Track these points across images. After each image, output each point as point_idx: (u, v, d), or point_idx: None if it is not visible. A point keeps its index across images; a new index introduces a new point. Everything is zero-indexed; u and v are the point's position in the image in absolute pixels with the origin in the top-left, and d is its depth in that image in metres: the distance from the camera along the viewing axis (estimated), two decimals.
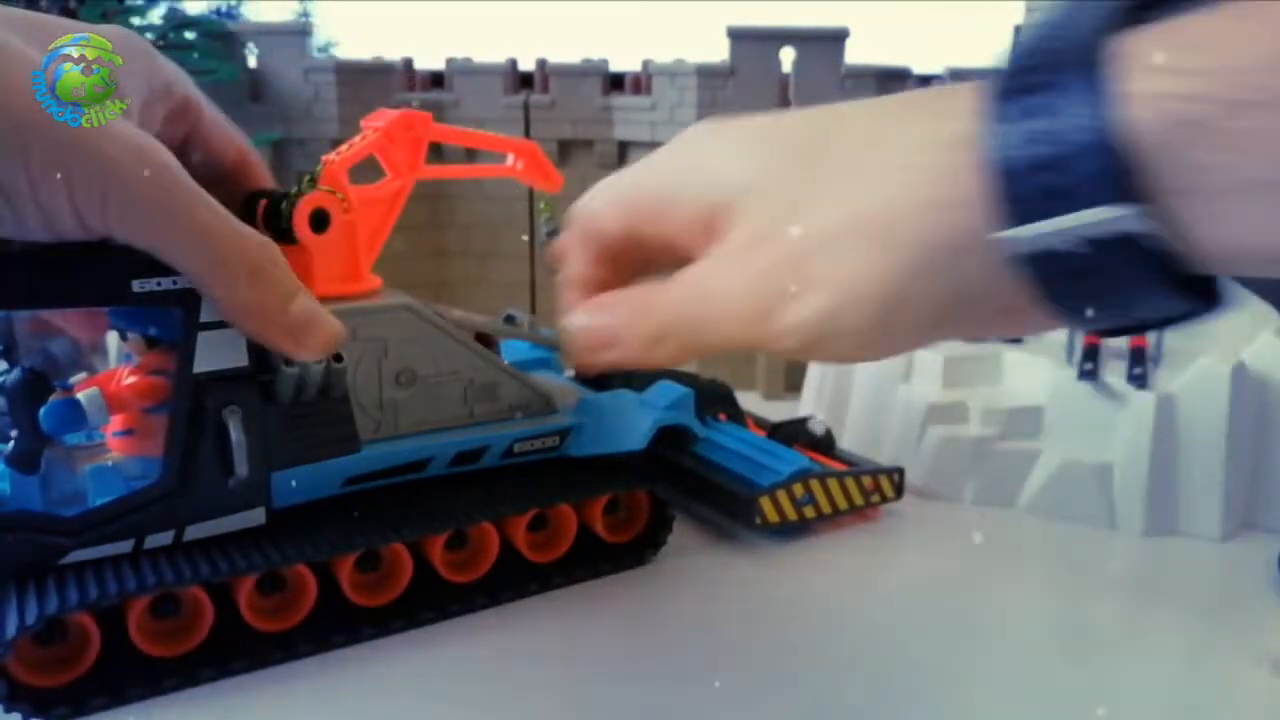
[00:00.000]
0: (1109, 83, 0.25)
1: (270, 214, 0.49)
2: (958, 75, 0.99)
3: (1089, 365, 0.68)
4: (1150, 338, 0.69)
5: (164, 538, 0.46)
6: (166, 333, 0.46)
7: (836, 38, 0.91)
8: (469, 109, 1.03)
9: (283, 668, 0.49)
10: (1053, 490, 0.68)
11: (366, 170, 0.55)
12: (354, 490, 0.52)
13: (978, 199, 0.27)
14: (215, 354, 0.44)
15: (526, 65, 1.04)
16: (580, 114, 1.01)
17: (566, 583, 0.57)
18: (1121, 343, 0.68)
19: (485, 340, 0.57)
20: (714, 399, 0.71)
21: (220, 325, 0.44)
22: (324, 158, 0.53)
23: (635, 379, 0.68)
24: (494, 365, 0.56)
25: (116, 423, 0.47)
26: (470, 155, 0.90)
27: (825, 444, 0.71)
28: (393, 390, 0.52)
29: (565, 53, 1.03)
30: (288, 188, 0.50)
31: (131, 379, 0.46)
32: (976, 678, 0.51)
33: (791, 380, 0.91)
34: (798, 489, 0.62)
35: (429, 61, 1.09)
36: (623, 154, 1.03)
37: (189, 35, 1.11)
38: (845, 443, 0.74)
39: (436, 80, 1.09)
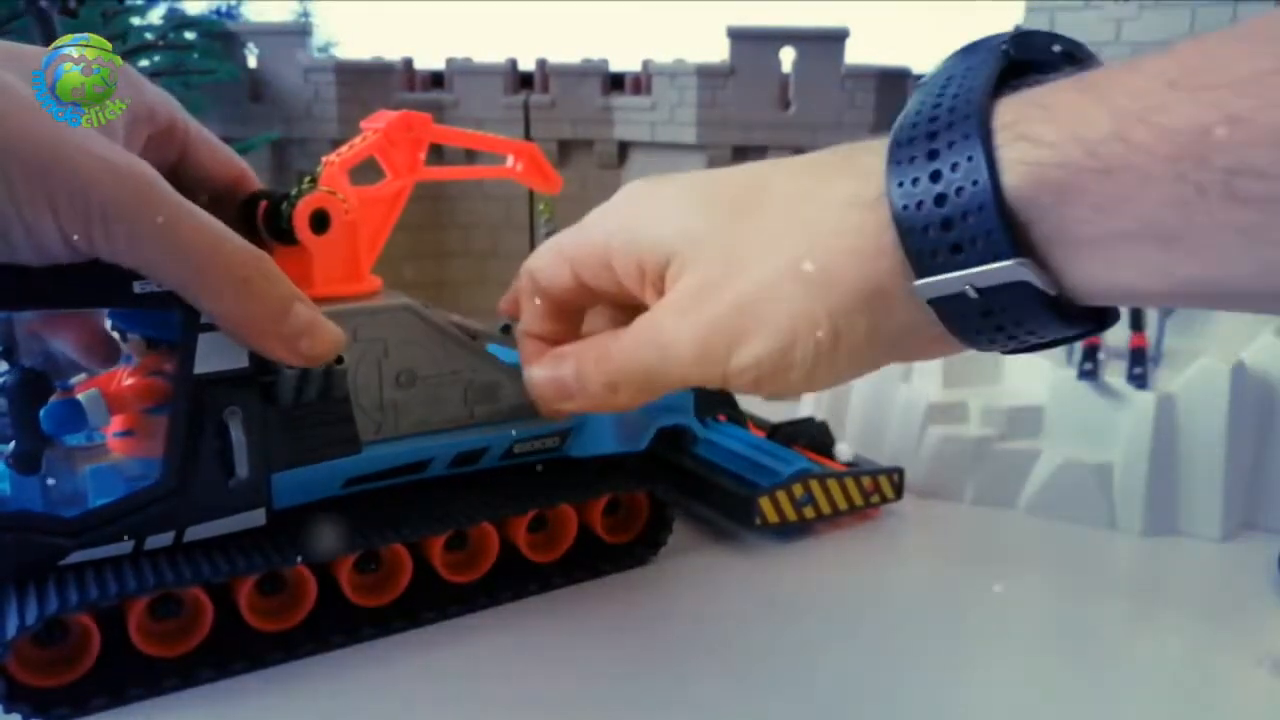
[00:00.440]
0: (990, 150, 0.29)
1: (270, 215, 0.49)
2: None
3: (1089, 365, 0.68)
4: (1150, 338, 0.69)
5: (164, 538, 0.46)
6: (167, 334, 0.46)
7: (836, 38, 0.91)
8: (469, 109, 1.02)
9: (283, 668, 0.49)
10: (1053, 490, 0.68)
11: (367, 171, 0.55)
12: (354, 491, 0.52)
13: (891, 251, 0.31)
14: (216, 355, 0.44)
15: (526, 65, 1.04)
16: (580, 114, 1.01)
17: (566, 583, 0.57)
18: (1122, 343, 0.68)
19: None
20: (714, 400, 0.71)
21: None
22: (324, 158, 0.53)
23: None
24: (495, 366, 0.56)
25: (117, 423, 0.47)
26: (470, 156, 0.90)
27: (829, 452, 0.72)
28: (393, 391, 0.52)
29: (565, 53, 1.03)
30: (288, 188, 0.50)
31: (132, 380, 0.46)
32: (976, 678, 0.51)
33: None
34: (797, 489, 0.62)
35: (429, 61, 1.09)
36: (623, 154, 1.02)
37: (189, 35, 1.11)
38: (845, 443, 0.74)
39: (436, 80, 1.08)
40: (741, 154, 0.92)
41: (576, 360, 0.40)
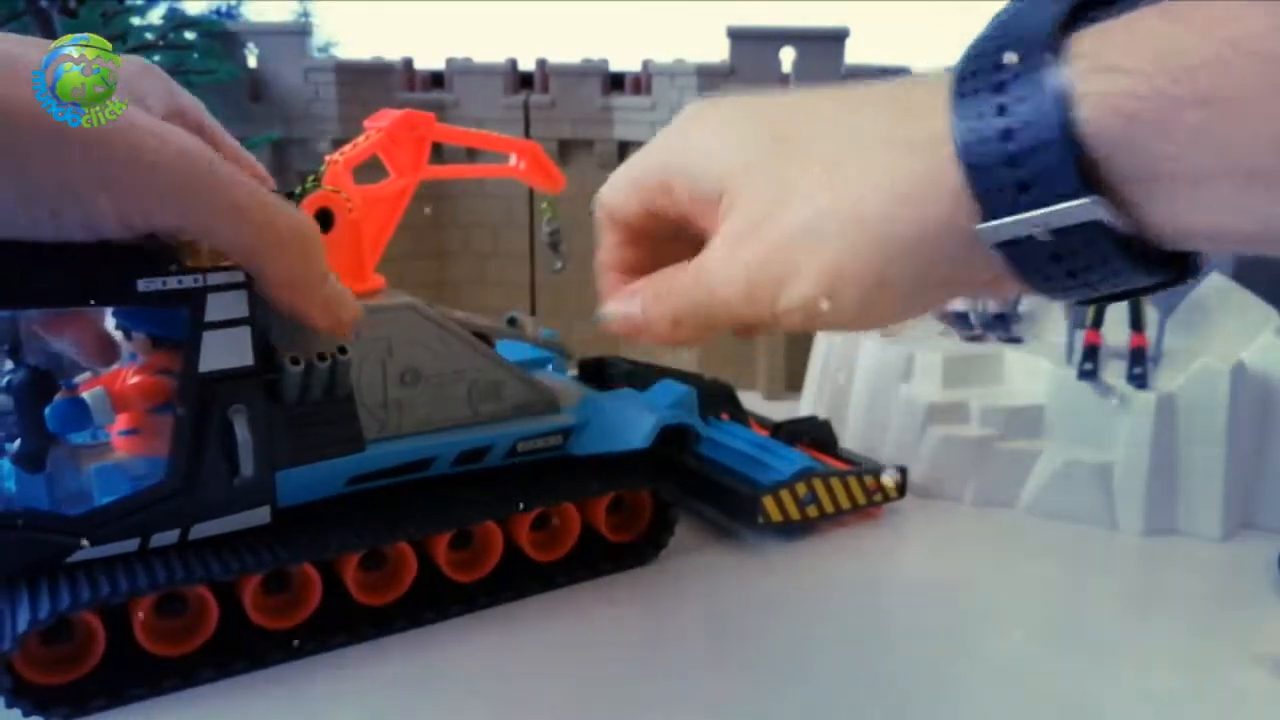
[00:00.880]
0: (1064, 82, 0.26)
1: None
2: None
3: (1089, 365, 0.69)
4: (1150, 338, 0.69)
5: (169, 536, 0.46)
6: (172, 332, 0.46)
7: (836, 38, 0.92)
8: (469, 109, 1.02)
9: (283, 668, 0.49)
10: (1053, 490, 0.68)
11: (370, 170, 0.55)
12: (358, 489, 0.52)
13: (952, 192, 0.29)
14: (221, 353, 0.44)
15: (526, 65, 1.04)
16: (580, 114, 1.01)
17: (569, 582, 0.57)
18: (1121, 343, 0.69)
19: (483, 340, 0.57)
20: (716, 398, 0.71)
21: (226, 324, 0.44)
22: (328, 157, 0.53)
23: (638, 378, 0.68)
24: (498, 365, 0.56)
25: (122, 422, 0.47)
26: (471, 155, 0.90)
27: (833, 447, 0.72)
28: (397, 390, 0.52)
29: (565, 53, 1.03)
30: (289, 188, 0.50)
31: (137, 378, 0.46)
32: (977, 677, 0.51)
33: (792, 380, 0.91)
34: (800, 488, 0.63)
35: (429, 61, 1.09)
36: (622, 154, 1.03)
37: (189, 35, 1.11)
38: (845, 443, 0.75)
39: (436, 80, 1.08)
40: None
41: (639, 298, 0.39)
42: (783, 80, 0.92)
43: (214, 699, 0.47)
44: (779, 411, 0.77)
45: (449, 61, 1.06)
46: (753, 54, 0.92)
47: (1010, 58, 0.28)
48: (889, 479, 0.67)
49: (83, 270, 0.41)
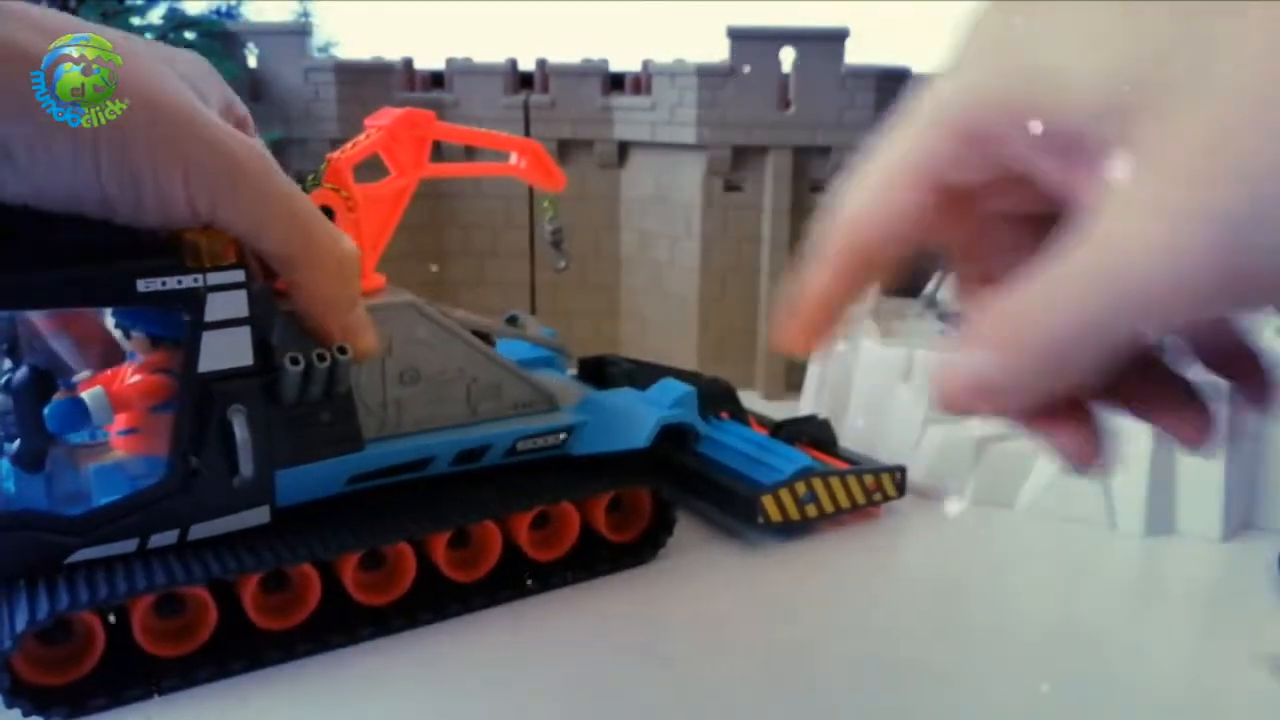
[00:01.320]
0: None
1: None
2: None
3: None
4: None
5: (168, 537, 0.46)
6: (171, 332, 0.46)
7: (836, 38, 0.91)
8: (469, 109, 1.02)
9: (282, 668, 0.49)
10: (1053, 490, 0.68)
11: (371, 169, 0.55)
12: (358, 489, 0.52)
13: None
14: (220, 353, 0.44)
15: (526, 65, 1.03)
16: (580, 114, 1.01)
17: (569, 581, 0.57)
18: None
19: (483, 339, 0.57)
20: (717, 397, 0.71)
21: (225, 325, 0.44)
22: (328, 156, 0.53)
23: (638, 378, 0.68)
24: (497, 364, 0.56)
25: (121, 422, 0.47)
26: (470, 154, 0.90)
27: (829, 446, 0.71)
28: (396, 389, 0.52)
29: (565, 53, 1.03)
30: None
31: (136, 378, 0.46)
32: (977, 677, 0.51)
33: (792, 379, 0.91)
34: (800, 487, 0.63)
35: (429, 61, 1.09)
36: (623, 154, 1.02)
37: (189, 35, 1.11)
38: (845, 442, 0.74)
39: (436, 80, 1.08)
40: (742, 154, 0.92)
41: (992, 329, 0.23)
42: (782, 80, 0.92)
43: (213, 699, 0.47)
44: (779, 411, 0.77)
45: (449, 61, 1.06)
46: (753, 54, 0.92)
47: None
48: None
49: (83, 270, 0.41)
